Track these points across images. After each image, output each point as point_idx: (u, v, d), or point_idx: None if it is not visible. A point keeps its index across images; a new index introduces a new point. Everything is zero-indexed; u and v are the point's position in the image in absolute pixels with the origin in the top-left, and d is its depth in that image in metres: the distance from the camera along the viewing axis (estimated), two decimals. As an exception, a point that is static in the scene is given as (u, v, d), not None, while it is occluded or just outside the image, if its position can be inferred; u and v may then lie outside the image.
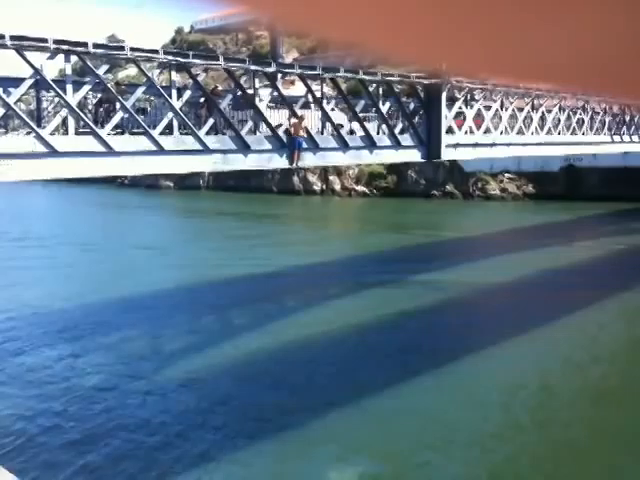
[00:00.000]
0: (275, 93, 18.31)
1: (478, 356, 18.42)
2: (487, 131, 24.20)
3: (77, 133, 14.57)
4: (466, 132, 23.25)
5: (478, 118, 24.02)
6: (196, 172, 30.69)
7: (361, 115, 20.45)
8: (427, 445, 13.50)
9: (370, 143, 20.44)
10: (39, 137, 13.73)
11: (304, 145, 18.49)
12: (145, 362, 18.47)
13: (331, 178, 66.27)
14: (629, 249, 35.34)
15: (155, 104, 17.82)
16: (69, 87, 14.12)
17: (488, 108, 24.39)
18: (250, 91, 17.61)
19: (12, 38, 12.69)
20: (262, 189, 66.52)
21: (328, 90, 20.44)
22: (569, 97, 27.83)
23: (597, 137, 30.95)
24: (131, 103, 15.34)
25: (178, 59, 15.72)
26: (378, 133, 20.84)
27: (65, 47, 13.60)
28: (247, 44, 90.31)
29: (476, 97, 24.02)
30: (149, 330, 21.96)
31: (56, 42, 13.39)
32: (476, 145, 23.93)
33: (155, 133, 15.50)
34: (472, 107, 23.56)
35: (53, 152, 13.95)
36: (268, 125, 18.07)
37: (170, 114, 15.89)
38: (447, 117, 21.99)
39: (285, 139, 18.16)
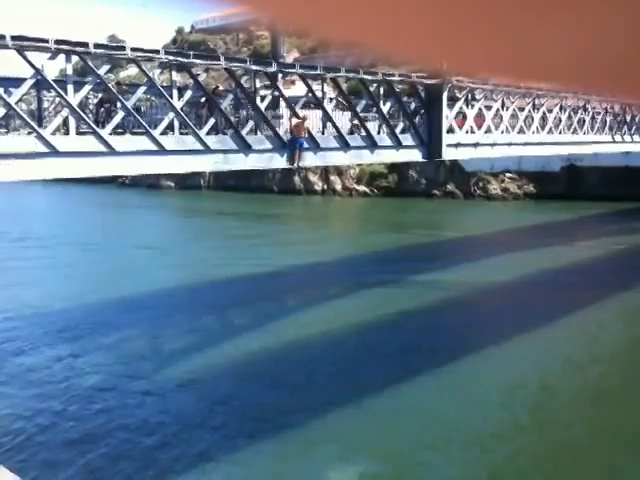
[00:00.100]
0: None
1: (478, 356, 18.43)
2: (488, 131, 24.18)
3: (78, 133, 14.57)
4: (467, 132, 23.24)
5: (479, 118, 24.00)
6: (197, 172, 30.69)
7: (362, 115, 20.44)
8: (427, 445, 13.50)
9: (371, 143, 20.43)
10: (40, 137, 13.73)
11: (305, 145, 18.49)
12: (145, 362, 18.49)
13: (332, 178, 66.26)
14: (630, 249, 35.33)
15: (154, 103, 17.81)
16: (70, 87, 14.12)
17: (489, 108, 24.37)
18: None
19: (13, 38, 12.69)
20: (263, 189, 66.51)
21: (329, 90, 20.40)
22: (570, 97, 27.80)
23: (598, 137, 30.92)
24: (132, 103, 15.35)
25: (179, 59, 15.72)
26: (379, 133, 20.83)
27: (66, 47, 13.59)
28: (248, 44, 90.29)
29: (477, 97, 24.01)
30: (149, 330, 21.98)
31: (57, 42, 13.38)
32: (477, 145, 23.91)
33: (156, 133, 15.50)
34: (473, 107, 23.54)
35: (54, 152, 13.95)
36: (269, 125, 18.06)
37: (171, 114, 15.88)
38: (448, 117, 21.98)
39: (287, 139, 18.16)
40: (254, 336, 20.51)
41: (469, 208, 56.62)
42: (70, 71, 14.23)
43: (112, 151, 14.82)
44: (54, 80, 14.57)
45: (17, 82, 13.89)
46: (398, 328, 21.42)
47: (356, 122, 20.45)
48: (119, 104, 15.23)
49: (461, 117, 23.19)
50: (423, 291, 26.00)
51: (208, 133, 16.65)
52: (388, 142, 20.96)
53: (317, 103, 19.24)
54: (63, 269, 30.95)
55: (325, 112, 19.18)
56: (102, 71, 14.94)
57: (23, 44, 12.91)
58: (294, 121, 18.35)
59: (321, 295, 25.98)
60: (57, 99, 15.15)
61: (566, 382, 17.16)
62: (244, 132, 17.33)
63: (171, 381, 16.92)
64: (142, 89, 15.94)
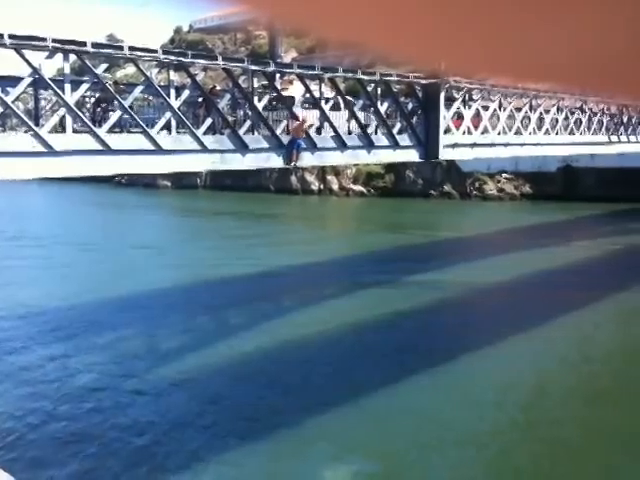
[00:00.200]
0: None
1: (474, 356, 18.45)
2: (485, 131, 24.23)
3: (75, 132, 14.56)
4: (464, 132, 23.28)
5: (476, 118, 24.04)
6: (194, 171, 30.67)
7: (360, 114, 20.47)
8: (422, 444, 13.52)
9: (368, 143, 20.46)
10: (37, 136, 13.72)
11: (303, 145, 18.52)
12: (139, 361, 18.45)
13: (329, 178, 66.27)
14: (625, 249, 35.41)
15: (151, 103, 17.80)
16: (67, 86, 14.11)
17: (486, 108, 24.42)
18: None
19: (11, 37, 12.68)
20: (260, 188, 66.49)
21: (327, 90, 20.42)
22: (567, 97, 27.87)
23: (595, 137, 31.00)
24: (129, 102, 15.34)
25: (177, 58, 15.72)
26: (376, 133, 20.85)
27: (64, 46, 13.59)
28: (246, 44, 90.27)
29: (474, 97, 24.05)
30: (144, 330, 21.94)
31: (55, 41, 13.37)
32: (474, 145, 23.96)
33: (153, 132, 15.49)
34: (470, 107, 23.58)
35: (51, 151, 13.94)
36: (266, 125, 18.07)
37: (168, 113, 15.88)
38: (445, 117, 22.02)
39: (285, 140, 18.17)
40: (250, 336, 20.50)
41: (465, 208, 56.68)
42: (68, 70, 14.22)
43: (109, 150, 14.81)
44: (51, 79, 14.56)
45: (14, 81, 13.89)
46: (394, 328, 21.43)
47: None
48: (116, 103, 15.22)
49: (456, 117, 23.23)
50: (419, 291, 26.02)
51: (205, 133, 16.66)
52: (385, 142, 20.99)
53: (314, 103, 19.26)
54: (59, 269, 30.89)
55: (322, 112, 19.20)
56: (100, 70, 14.94)
57: (21, 43, 12.90)
58: (294, 123, 18.37)
59: (317, 295, 25.98)
60: (54, 98, 15.14)
61: (561, 382, 17.19)
62: (241, 132, 17.34)
63: (165, 380, 16.90)
64: (139, 88, 15.93)
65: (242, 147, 17.37)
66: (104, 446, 13.39)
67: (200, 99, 17.52)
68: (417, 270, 29.53)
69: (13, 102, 13.52)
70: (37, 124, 14.23)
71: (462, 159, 37.62)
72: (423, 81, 20.93)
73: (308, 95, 19.32)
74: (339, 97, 20.28)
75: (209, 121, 16.84)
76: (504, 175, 60.18)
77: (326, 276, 30.13)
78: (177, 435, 13.91)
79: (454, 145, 22.85)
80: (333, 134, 19.55)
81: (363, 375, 17.10)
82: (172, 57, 15.71)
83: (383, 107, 20.79)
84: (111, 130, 15.06)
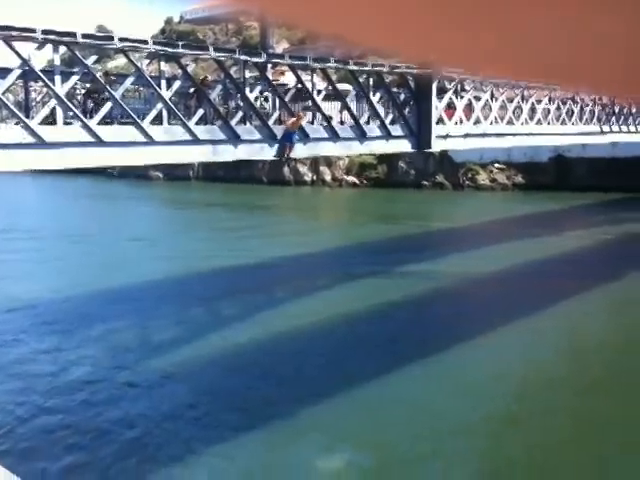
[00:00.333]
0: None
1: (466, 346, 18.54)
2: (477, 122, 24.24)
3: (65, 124, 14.47)
4: (456, 123, 23.28)
5: (468, 109, 24.04)
6: (186, 163, 30.55)
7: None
8: (414, 434, 13.60)
9: (360, 133, 20.43)
10: (27, 127, 13.63)
11: (297, 138, 18.50)
12: (133, 354, 18.45)
13: (321, 169, 66.20)
14: (616, 239, 35.60)
15: (144, 94, 17.71)
16: (57, 77, 14.01)
17: (478, 99, 24.41)
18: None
19: (0, 28, 12.58)
20: (252, 180, 66.35)
21: (318, 80, 20.36)
22: (559, 88, 27.88)
23: (586, 127, 31.08)
24: (120, 93, 15.25)
25: (167, 49, 15.63)
26: (368, 123, 20.82)
27: (53, 37, 13.48)
28: (237, 34, 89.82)
29: (466, 88, 24.04)
30: (137, 322, 21.90)
31: (44, 32, 13.27)
32: (466, 136, 23.97)
33: (144, 124, 15.42)
34: (462, 98, 23.57)
35: (41, 143, 13.86)
36: (258, 116, 18.02)
37: (159, 104, 15.80)
38: (437, 108, 22.00)
39: (277, 131, 18.12)
40: (242, 327, 20.51)
41: (458, 199, 56.78)
42: (57, 61, 14.12)
43: (100, 142, 14.74)
44: (41, 70, 14.45)
45: (4, 72, 13.77)
46: (387, 318, 21.50)
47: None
48: (107, 94, 15.13)
49: (447, 107, 23.21)
50: (412, 282, 26.08)
51: (197, 124, 16.59)
52: (377, 133, 20.97)
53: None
54: (51, 261, 30.79)
55: (314, 103, 19.15)
56: (90, 61, 14.84)
57: (10, 34, 12.79)
58: (290, 120, 18.30)
59: (310, 286, 26.01)
60: (44, 89, 15.04)
61: (553, 371, 17.30)
62: (233, 123, 17.28)
63: (158, 372, 16.90)
64: (130, 79, 15.84)
65: (234, 138, 17.31)
66: (97, 439, 13.40)
67: (191, 90, 17.44)
68: (410, 260, 29.59)
69: (3, 94, 13.42)
70: (27, 116, 14.14)
71: (454, 149, 37.65)
72: (415, 71, 20.90)
73: (300, 85, 19.25)
74: (331, 87, 20.24)
75: (201, 112, 16.77)
76: (496, 165, 60.30)
77: (319, 267, 30.16)
78: (170, 427, 13.93)
79: (446, 136, 22.86)
80: (325, 125, 19.52)
81: (356, 366, 17.16)
82: (163, 48, 15.62)
83: (375, 98, 20.76)
84: (102, 122, 14.97)
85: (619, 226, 38.44)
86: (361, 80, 20.47)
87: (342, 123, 20.36)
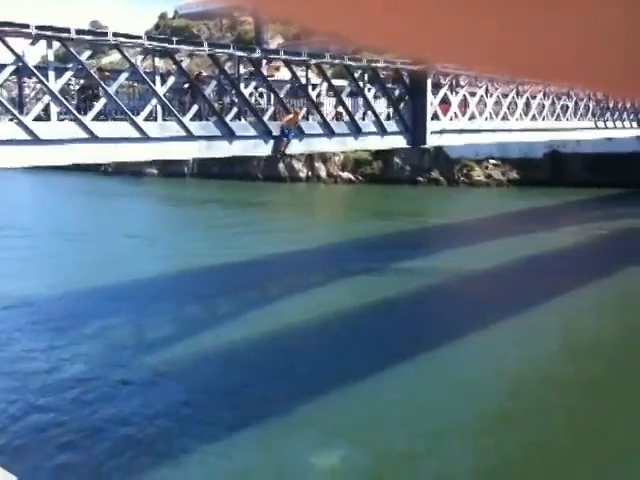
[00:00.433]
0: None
1: (462, 342, 18.55)
2: (472, 117, 24.25)
3: (60, 120, 14.42)
4: (451, 118, 23.28)
5: (463, 104, 24.04)
6: (180, 159, 30.50)
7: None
8: (409, 430, 13.61)
9: (355, 129, 20.41)
10: (21, 124, 13.58)
11: (292, 134, 18.48)
12: (128, 351, 18.39)
13: (317, 165, 66.14)
14: (611, 234, 35.69)
15: (139, 90, 17.64)
16: (51, 73, 13.95)
17: (473, 94, 24.41)
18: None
19: (-8, 23, 12.52)
20: (247, 176, 66.24)
21: (313, 76, 20.34)
22: (553, 83, 27.90)
23: (581, 123, 31.12)
24: (114, 89, 15.20)
25: (161, 45, 15.58)
26: (364, 119, 20.81)
27: (47, 33, 13.42)
28: (231, 30, 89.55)
29: (461, 83, 24.03)
30: (131, 319, 21.82)
31: (38, 28, 13.20)
32: (461, 131, 23.98)
33: (139, 119, 15.38)
34: (457, 93, 23.57)
35: (35, 139, 13.80)
36: (253, 112, 17.99)
37: (154, 100, 15.75)
38: (432, 103, 22.00)
39: (272, 127, 18.09)
40: (237, 325, 20.49)
41: (453, 195, 56.82)
42: (51, 57, 14.06)
43: (94, 138, 14.69)
44: (35, 66, 14.39)
45: (-3, 68, 13.70)
46: (381, 315, 21.51)
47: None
48: (101, 90, 15.07)
49: (442, 103, 23.20)
50: (407, 278, 26.10)
51: (192, 119, 16.55)
52: (373, 129, 20.96)
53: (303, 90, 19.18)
54: (44, 259, 30.69)
55: (309, 98, 19.12)
56: (84, 57, 14.78)
57: (3, 30, 12.73)
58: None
59: (305, 283, 26.01)
60: (38, 85, 14.97)
61: (548, 368, 17.35)
62: (228, 119, 17.24)
63: (153, 370, 16.87)
64: (124, 75, 15.78)
65: (229, 134, 17.28)
66: (91, 437, 13.35)
67: (186, 86, 17.38)
68: (405, 257, 29.61)
69: (-4, 90, 13.37)
70: (21, 112, 14.08)
71: (449, 145, 37.67)
72: (410, 67, 20.88)
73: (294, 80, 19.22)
74: (326, 83, 20.21)
75: (195, 108, 16.73)
76: (491, 161, 60.35)
77: (314, 264, 30.16)
78: (164, 424, 13.91)
79: (441, 131, 22.86)
80: (320, 121, 19.49)
81: (350, 362, 17.17)
82: (157, 43, 15.57)
83: (370, 93, 20.74)
84: (96, 118, 14.92)
85: (613, 221, 38.54)
86: (356, 76, 20.44)
87: (337, 119, 20.33)
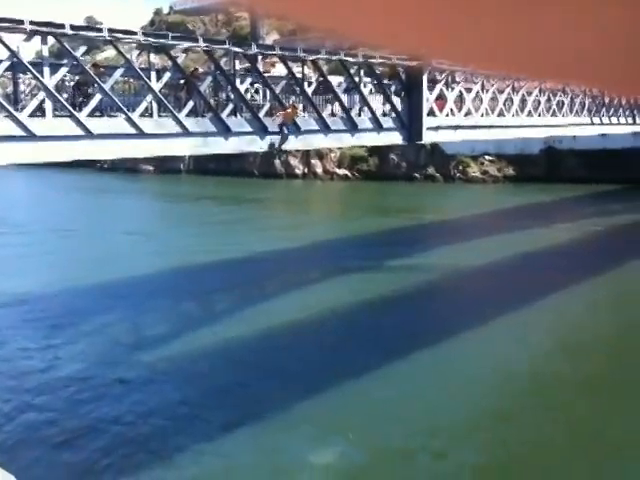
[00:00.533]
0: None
1: (457, 339, 18.57)
2: (468, 113, 24.25)
3: (55, 116, 14.36)
4: (447, 114, 23.27)
5: (459, 100, 24.05)
6: (176, 155, 30.42)
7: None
8: (405, 427, 13.63)
9: (351, 126, 20.40)
10: (16, 120, 13.52)
11: (286, 131, 18.46)
12: (124, 349, 18.34)
13: (313, 161, 66.10)
14: (606, 230, 35.76)
15: (134, 86, 17.59)
16: (46, 69, 13.90)
17: (469, 90, 24.41)
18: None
19: (-14, 19, 12.45)
20: (243, 173, 66.17)
21: (309, 72, 20.32)
22: (547, 80, 27.92)
23: (577, 119, 31.17)
24: (109, 85, 15.14)
25: (157, 40, 15.53)
26: (360, 115, 20.79)
27: (42, 29, 13.36)
28: (227, 25, 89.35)
29: (457, 79, 24.03)
30: (127, 317, 21.75)
31: (32, 24, 13.14)
32: (457, 127, 23.97)
33: (134, 116, 15.33)
34: (453, 89, 23.57)
35: (30, 136, 13.75)
36: (248, 107, 17.95)
37: (149, 96, 15.71)
38: (428, 99, 21.99)
39: (267, 123, 18.06)
40: (233, 322, 20.48)
41: (449, 191, 56.85)
42: (46, 53, 14.00)
43: (89, 134, 14.64)
44: (30, 62, 14.33)
45: (-8, 64, 13.64)
46: (378, 312, 21.52)
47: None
48: (96, 86, 15.02)
49: (438, 99, 23.20)
50: (404, 275, 26.12)
51: (187, 116, 16.50)
52: (369, 125, 20.94)
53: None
54: (40, 256, 30.61)
55: (305, 95, 19.09)
56: (79, 53, 14.72)
57: (-3, 25, 12.67)
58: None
59: (302, 280, 26.00)
60: (33, 82, 14.91)
61: (544, 364, 17.37)
62: (224, 115, 17.20)
63: (148, 368, 16.83)
64: (119, 71, 15.73)
65: (225, 130, 17.24)
66: (87, 435, 13.30)
67: (181, 82, 17.34)
68: (401, 253, 29.63)
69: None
70: (16, 108, 14.02)
71: (445, 141, 37.69)
72: (406, 63, 20.86)
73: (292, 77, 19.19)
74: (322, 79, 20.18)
75: (191, 104, 16.68)
76: (487, 157, 60.40)
77: (310, 261, 30.15)
78: (160, 422, 13.89)
79: (437, 127, 22.86)
80: (316, 117, 19.47)
81: (347, 359, 17.17)
82: (152, 39, 15.52)
83: (366, 89, 20.72)
84: (92, 114, 14.87)
85: (609, 217, 38.62)
86: (352, 72, 20.41)
87: (333, 115, 20.32)
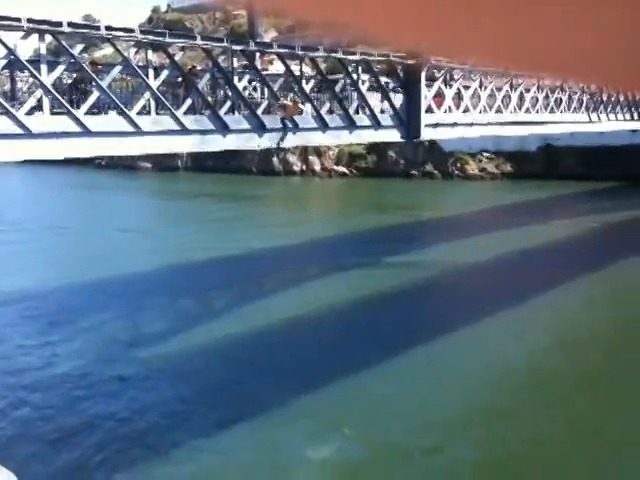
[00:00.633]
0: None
1: (455, 336, 18.60)
2: (466, 110, 24.23)
3: (52, 114, 14.34)
4: (445, 111, 23.26)
5: (457, 97, 24.02)
6: (174, 153, 30.40)
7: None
8: (403, 424, 13.66)
9: (350, 123, 20.38)
10: (14, 118, 13.50)
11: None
12: (122, 347, 18.33)
13: (311, 159, 66.05)
14: (603, 227, 35.81)
15: (132, 84, 17.56)
16: (44, 67, 13.87)
17: (467, 87, 24.40)
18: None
19: (-16, 16, 12.43)
20: (242, 170, 66.11)
21: (307, 69, 20.29)
22: (547, 76, 27.93)
23: (575, 116, 31.15)
24: (107, 83, 15.11)
25: (155, 38, 15.50)
26: (358, 113, 20.77)
27: (39, 26, 13.33)
28: (225, 23, 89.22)
29: (455, 76, 24.01)
30: (124, 314, 21.74)
31: (30, 21, 13.11)
32: (455, 125, 23.96)
33: (132, 113, 15.31)
34: (451, 87, 23.55)
35: (28, 133, 13.73)
36: (247, 105, 17.93)
37: (147, 94, 15.68)
38: (426, 97, 21.97)
39: (265, 120, 18.04)
40: (231, 319, 20.49)
41: (447, 188, 56.87)
42: (44, 51, 13.97)
43: (87, 132, 14.62)
44: (28, 60, 14.30)
45: (-11, 62, 13.60)
46: (376, 309, 21.54)
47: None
48: (94, 84, 14.99)
49: (436, 96, 23.18)
50: (402, 271, 26.14)
51: (185, 113, 16.48)
52: (367, 122, 20.92)
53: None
54: (37, 253, 30.60)
55: (303, 92, 19.07)
56: (76, 51, 14.69)
57: (-6, 23, 12.64)
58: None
59: (300, 277, 26.01)
60: (31, 79, 14.89)
61: (542, 361, 17.40)
62: (222, 112, 17.18)
63: (145, 364, 16.84)
64: (117, 69, 15.69)
65: (223, 128, 17.22)
66: (85, 432, 13.32)
67: (179, 79, 17.31)
68: (399, 250, 29.65)
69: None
70: (14, 106, 13.99)
71: (443, 139, 37.67)
72: (404, 60, 20.85)
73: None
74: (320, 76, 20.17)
75: (189, 101, 16.66)
76: (485, 154, 60.40)
77: (308, 258, 30.16)
78: (157, 419, 13.90)
79: (435, 125, 22.84)
80: (315, 114, 19.45)
81: (345, 355, 17.19)
82: (150, 37, 15.49)
83: (364, 87, 20.70)
84: (89, 111, 14.84)
85: (606, 215, 38.66)
86: (350, 69, 20.38)
87: (331, 112, 20.29)
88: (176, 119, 16.15)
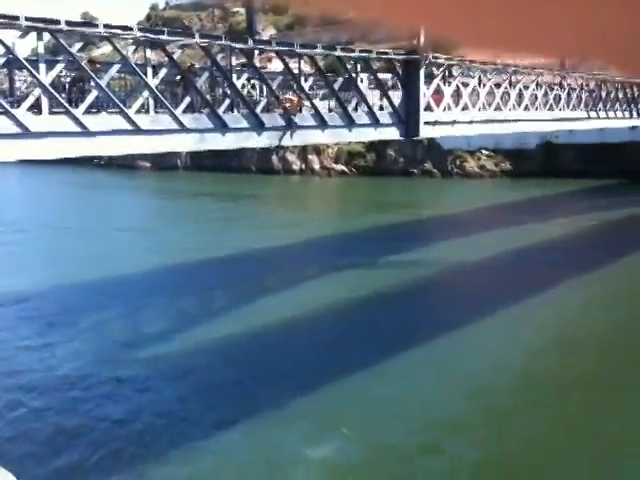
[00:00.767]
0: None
1: (455, 335, 18.59)
2: (465, 108, 24.18)
3: (51, 113, 14.29)
4: (444, 109, 23.21)
5: (455, 95, 23.97)
6: (173, 152, 30.36)
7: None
8: (402, 424, 13.65)
9: (349, 121, 20.33)
10: (12, 117, 13.45)
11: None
12: (119, 347, 18.32)
13: (310, 157, 66.02)
14: (601, 225, 35.80)
15: (130, 82, 17.51)
16: (42, 66, 13.82)
17: (466, 85, 24.33)
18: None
19: (-19, 15, 12.37)
20: (241, 169, 66.09)
21: (306, 67, 20.23)
22: (546, 73, 27.92)
23: (574, 113, 31.10)
24: (106, 82, 15.06)
25: (153, 36, 15.44)
26: (356, 111, 20.72)
27: (37, 25, 13.28)
28: (223, 21, 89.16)
29: (454, 74, 23.95)
30: (123, 314, 21.72)
31: (28, 20, 13.07)
32: (454, 122, 23.91)
33: (131, 112, 15.26)
34: (450, 84, 23.49)
35: (26, 132, 13.68)
36: (245, 103, 17.88)
37: (145, 92, 15.63)
38: (425, 94, 21.92)
39: (264, 118, 17.99)
40: (230, 319, 20.47)
41: (446, 186, 56.85)
42: (42, 49, 13.92)
43: (86, 131, 14.57)
44: (26, 59, 14.25)
45: (-13, 61, 13.55)
46: (376, 308, 21.53)
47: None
48: (92, 82, 14.94)
49: (435, 93, 23.12)
50: (401, 270, 26.12)
51: (184, 112, 16.43)
52: (366, 120, 20.87)
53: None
54: (36, 253, 30.58)
55: (302, 90, 19.02)
56: (75, 49, 14.64)
57: (-8, 21, 12.59)
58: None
59: (299, 276, 25.99)
60: (29, 78, 14.84)
61: (541, 360, 17.40)
62: (220, 111, 17.13)
63: (145, 365, 16.82)
64: (116, 67, 15.64)
65: (221, 126, 17.17)
66: (84, 433, 13.32)
67: (178, 77, 17.26)
68: (399, 249, 29.63)
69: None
70: (12, 105, 13.94)
71: (442, 136, 37.65)
72: (402, 57, 20.80)
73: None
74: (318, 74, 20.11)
75: (187, 100, 16.61)
76: (484, 152, 60.36)
77: (308, 257, 30.13)
78: (155, 419, 13.89)
79: (434, 122, 22.79)
80: (314, 113, 19.40)
81: (345, 355, 17.18)
82: (148, 35, 15.44)
83: (363, 84, 20.65)
84: (88, 110, 14.79)
85: (605, 212, 38.67)
86: (348, 67, 20.33)
87: (330, 110, 20.25)
88: (175, 118, 16.10)
